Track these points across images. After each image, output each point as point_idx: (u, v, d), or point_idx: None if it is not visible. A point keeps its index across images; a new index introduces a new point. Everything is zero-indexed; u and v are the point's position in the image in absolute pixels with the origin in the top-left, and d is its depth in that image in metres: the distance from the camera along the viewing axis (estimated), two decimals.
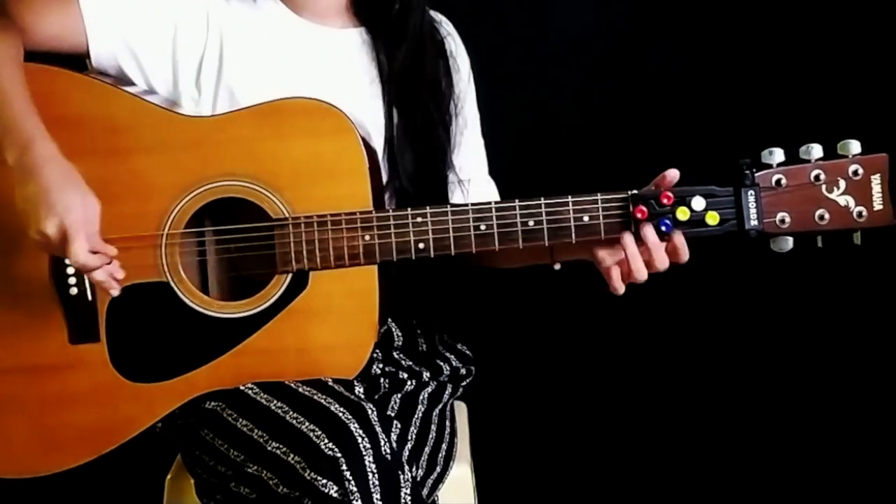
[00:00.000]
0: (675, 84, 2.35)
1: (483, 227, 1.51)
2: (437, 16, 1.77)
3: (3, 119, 1.45)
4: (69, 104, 1.52)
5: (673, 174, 1.50)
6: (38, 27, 1.55)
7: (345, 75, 1.67)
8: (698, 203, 1.48)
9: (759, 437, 2.46)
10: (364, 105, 1.65)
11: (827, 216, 1.50)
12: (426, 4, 1.70)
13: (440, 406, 1.68)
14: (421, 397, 1.64)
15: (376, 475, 1.38)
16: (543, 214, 1.51)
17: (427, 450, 1.60)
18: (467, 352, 1.77)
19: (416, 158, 1.67)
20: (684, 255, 1.50)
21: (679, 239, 1.49)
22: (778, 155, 1.50)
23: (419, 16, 1.66)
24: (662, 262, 1.49)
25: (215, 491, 1.52)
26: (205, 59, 1.61)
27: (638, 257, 1.49)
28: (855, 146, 1.50)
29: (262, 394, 1.50)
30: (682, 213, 1.48)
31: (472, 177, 1.75)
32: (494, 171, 1.81)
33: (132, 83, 1.62)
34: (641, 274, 1.49)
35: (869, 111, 2.20)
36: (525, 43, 2.36)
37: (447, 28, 1.78)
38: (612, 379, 2.46)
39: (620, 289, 1.53)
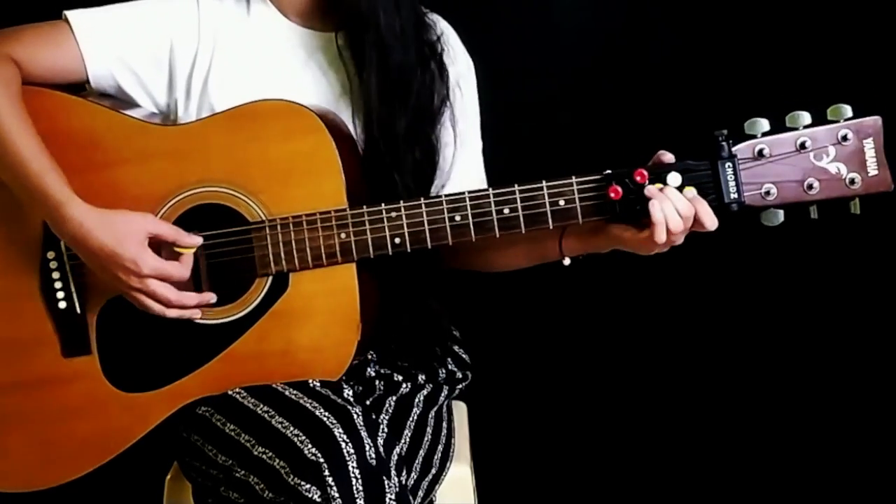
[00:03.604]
0: (674, 81, 2.29)
1: (458, 218, 1.48)
2: (432, 16, 1.68)
3: (23, 182, 1.48)
4: (45, 121, 1.53)
5: (667, 157, 1.45)
6: (34, 63, 1.56)
7: (320, 79, 1.64)
8: (674, 179, 1.43)
9: (760, 437, 2.39)
10: (339, 112, 1.62)
11: (817, 185, 1.43)
12: (405, 4, 1.58)
13: (436, 407, 1.65)
14: (416, 400, 1.62)
15: (360, 481, 1.36)
16: (518, 201, 1.47)
17: (422, 453, 1.57)
18: (464, 356, 1.74)
19: (389, 179, 1.56)
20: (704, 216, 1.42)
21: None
22: (762, 125, 1.44)
23: (381, 12, 1.54)
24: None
25: (209, 495, 1.53)
26: (196, 66, 1.62)
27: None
28: (847, 110, 1.43)
29: (249, 398, 1.50)
30: None
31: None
32: (492, 172, 1.73)
33: (133, 102, 1.63)
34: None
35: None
36: (524, 42, 2.31)
37: (442, 27, 1.68)
38: (611, 378, 2.41)
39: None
